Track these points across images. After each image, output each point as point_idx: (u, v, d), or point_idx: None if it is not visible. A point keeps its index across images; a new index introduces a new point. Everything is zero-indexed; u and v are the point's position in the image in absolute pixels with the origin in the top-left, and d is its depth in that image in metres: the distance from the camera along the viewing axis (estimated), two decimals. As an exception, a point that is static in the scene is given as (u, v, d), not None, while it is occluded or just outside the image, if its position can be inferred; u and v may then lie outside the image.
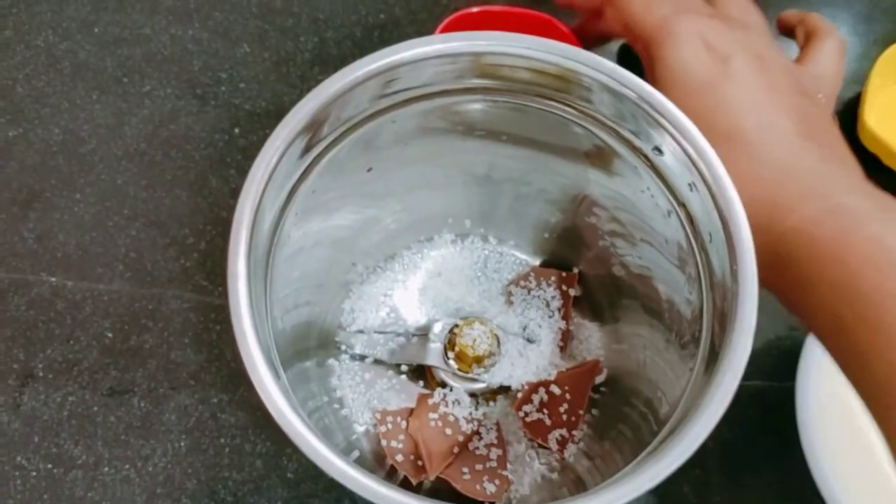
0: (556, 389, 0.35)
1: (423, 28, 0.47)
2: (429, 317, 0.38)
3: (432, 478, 0.34)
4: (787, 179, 0.27)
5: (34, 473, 0.38)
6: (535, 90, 0.29)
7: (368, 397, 0.37)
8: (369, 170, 0.33)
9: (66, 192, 0.43)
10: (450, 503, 0.24)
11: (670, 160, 0.28)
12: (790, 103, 0.28)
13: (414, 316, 0.38)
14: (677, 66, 0.29)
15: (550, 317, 0.38)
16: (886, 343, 0.23)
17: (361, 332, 0.37)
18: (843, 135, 0.29)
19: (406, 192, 0.36)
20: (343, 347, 0.37)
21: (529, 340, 0.37)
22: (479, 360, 0.35)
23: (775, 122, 0.28)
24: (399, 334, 0.37)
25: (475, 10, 0.39)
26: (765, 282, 0.26)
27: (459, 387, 0.36)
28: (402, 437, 0.35)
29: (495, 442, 0.35)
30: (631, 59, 0.33)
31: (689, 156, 0.27)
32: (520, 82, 0.29)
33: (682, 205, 0.28)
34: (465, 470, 0.34)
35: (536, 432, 0.35)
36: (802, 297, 0.26)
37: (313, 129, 0.28)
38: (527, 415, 0.35)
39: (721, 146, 0.26)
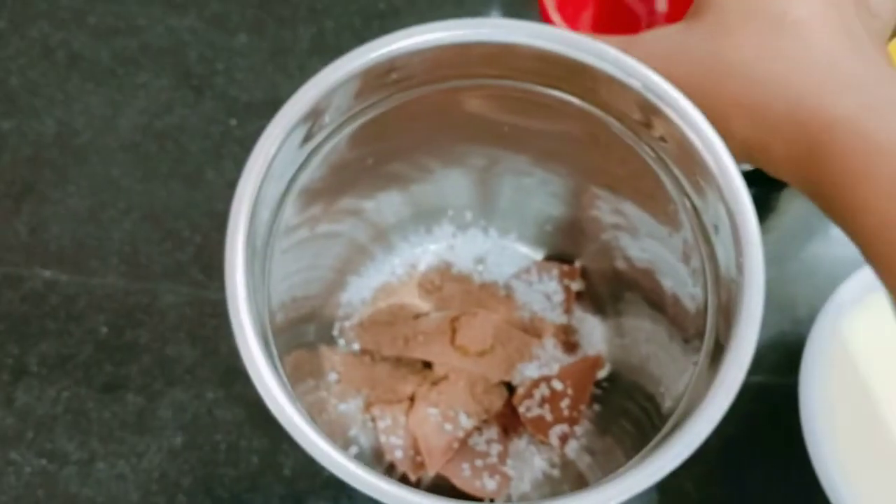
0: (557, 385, 0.35)
1: (424, 17, 0.46)
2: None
3: (432, 474, 0.33)
4: (837, 68, 0.25)
5: (28, 469, 0.38)
6: (538, 79, 0.29)
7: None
8: (369, 160, 0.32)
9: (60, 185, 0.43)
10: (449, 499, 0.23)
11: (676, 151, 0.27)
12: (845, 4, 0.27)
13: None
14: None
15: (552, 311, 0.37)
16: None
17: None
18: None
19: (406, 183, 0.35)
20: (341, 341, 0.37)
21: (531, 335, 0.37)
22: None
23: (827, 14, 0.26)
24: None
25: None
26: (800, 180, 0.24)
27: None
28: (401, 432, 0.35)
29: (496, 437, 0.35)
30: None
31: (695, 146, 0.26)
32: (523, 71, 0.28)
33: (688, 196, 0.28)
34: (465, 466, 0.34)
35: (537, 428, 0.35)
36: (843, 193, 0.24)
37: (313, 118, 0.27)
38: (528, 410, 0.35)
39: (772, 31, 0.25)
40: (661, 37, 0.26)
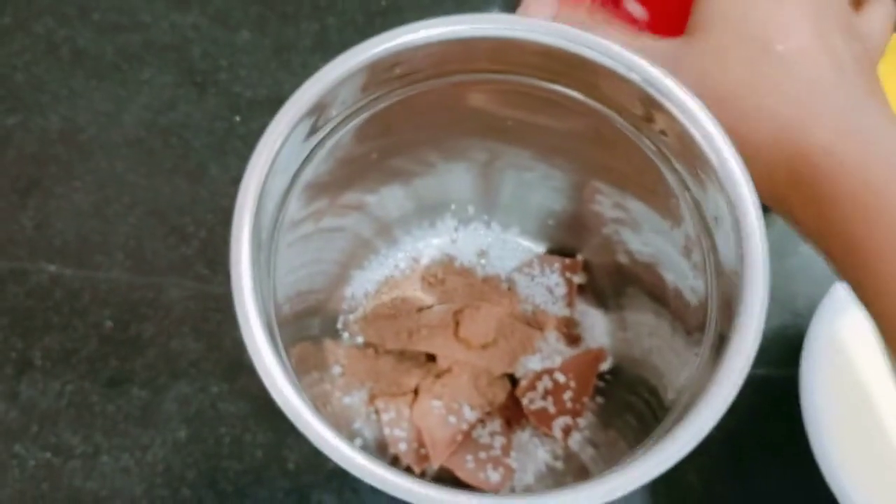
0: (560, 377, 0.35)
1: (425, 13, 0.46)
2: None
3: (436, 466, 0.34)
4: (818, 98, 0.27)
5: (32, 462, 0.38)
6: (541, 74, 0.29)
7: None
8: (373, 155, 0.32)
9: (64, 180, 0.43)
10: (453, 488, 0.23)
11: (677, 145, 0.27)
12: (832, 33, 0.28)
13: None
14: None
15: (554, 304, 0.37)
16: None
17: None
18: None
19: (409, 177, 0.35)
20: (345, 335, 0.37)
21: (534, 328, 0.37)
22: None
23: (813, 44, 0.28)
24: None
25: None
26: (776, 200, 0.26)
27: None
28: (405, 425, 0.35)
29: (499, 430, 0.35)
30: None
31: (695, 140, 0.26)
32: (525, 66, 0.28)
33: (689, 190, 0.28)
34: (469, 458, 0.34)
35: (541, 420, 0.35)
36: (817, 216, 0.25)
37: (317, 113, 0.27)
38: (531, 402, 0.35)
39: (759, 58, 0.27)
40: (660, 50, 0.27)
